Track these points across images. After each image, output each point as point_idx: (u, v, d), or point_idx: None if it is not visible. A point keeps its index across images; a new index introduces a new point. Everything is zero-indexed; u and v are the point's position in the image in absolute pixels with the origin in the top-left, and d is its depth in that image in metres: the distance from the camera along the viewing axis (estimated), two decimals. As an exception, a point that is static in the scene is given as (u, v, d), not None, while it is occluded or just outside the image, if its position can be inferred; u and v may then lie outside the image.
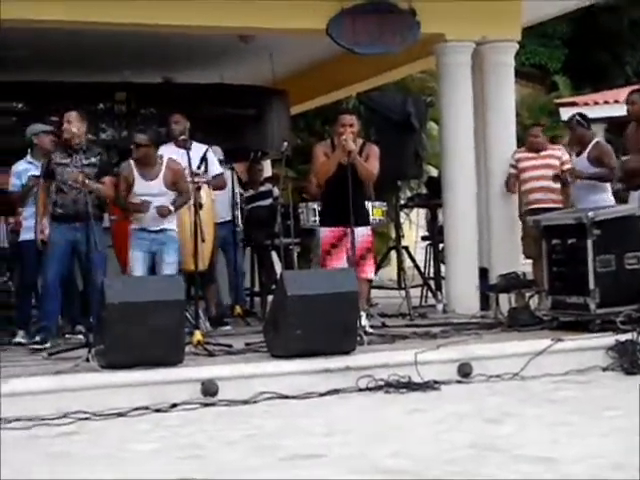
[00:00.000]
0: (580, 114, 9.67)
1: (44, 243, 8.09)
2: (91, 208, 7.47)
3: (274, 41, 11.09)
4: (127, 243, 8.20)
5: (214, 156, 9.10)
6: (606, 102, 16.13)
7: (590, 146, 9.31)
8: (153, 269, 8.03)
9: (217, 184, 9.03)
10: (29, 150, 8.76)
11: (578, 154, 9.41)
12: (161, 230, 8.05)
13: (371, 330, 7.80)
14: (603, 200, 8.97)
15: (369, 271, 8.17)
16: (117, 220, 9.08)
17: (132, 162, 8.15)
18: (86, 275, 7.92)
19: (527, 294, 8.57)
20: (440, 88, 10.55)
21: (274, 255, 10.31)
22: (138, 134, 8.25)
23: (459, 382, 6.84)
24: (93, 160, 8.02)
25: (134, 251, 8.08)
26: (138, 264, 8.01)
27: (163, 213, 7.99)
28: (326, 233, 8.18)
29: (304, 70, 13.04)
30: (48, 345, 7.69)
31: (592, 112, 16.10)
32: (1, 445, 5.18)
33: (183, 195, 8.09)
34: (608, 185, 9.28)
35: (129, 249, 8.13)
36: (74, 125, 8.03)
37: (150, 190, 8.03)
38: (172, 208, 7.98)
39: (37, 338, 7.93)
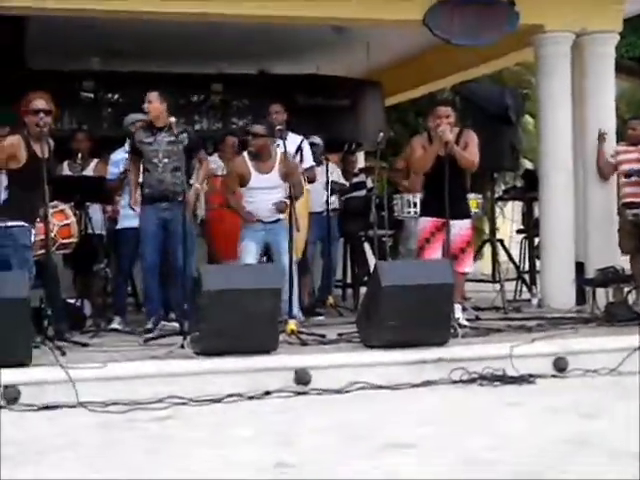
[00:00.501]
0: None
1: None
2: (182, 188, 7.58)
3: (369, 32, 11.07)
4: (223, 232, 8.27)
5: (309, 148, 9.12)
6: None
7: None
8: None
9: (309, 176, 9.05)
10: (127, 139, 8.87)
11: None
12: (276, 220, 8.08)
13: (465, 323, 7.74)
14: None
15: (467, 265, 8.09)
16: (213, 209, 9.14)
17: (246, 156, 8.17)
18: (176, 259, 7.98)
19: (625, 289, 8.41)
20: (538, 80, 10.41)
21: (367, 246, 10.31)
22: (254, 125, 8.22)
23: (554, 376, 6.75)
24: (178, 138, 7.97)
25: (247, 241, 8.09)
26: (250, 255, 8.03)
27: (282, 209, 7.97)
28: (425, 223, 8.11)
29: (399, 61, 13.01)
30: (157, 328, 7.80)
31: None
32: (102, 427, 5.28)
33: (296, 187, 8.08)
34: None
35: (240, 239, 8.12)
36: (154, 104, 8.08)
37: (267, 183, 8.05)
38: (288, 202, 7.82)
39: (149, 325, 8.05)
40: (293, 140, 8.76)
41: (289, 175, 7.95)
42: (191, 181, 8.10)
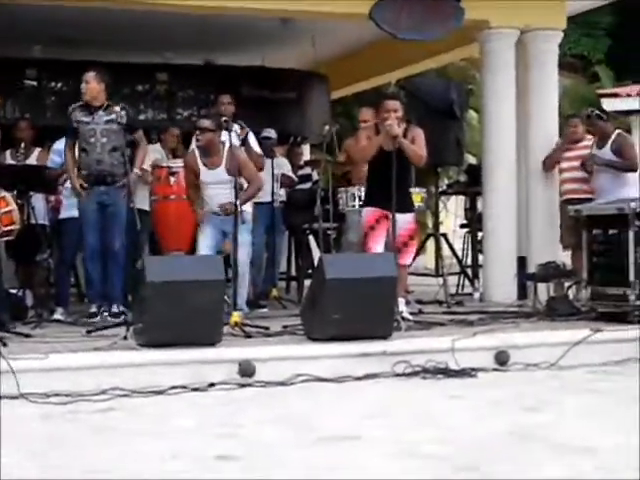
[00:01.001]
0: (598, 109, 9.65)
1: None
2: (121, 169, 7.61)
3: (315, 24, 11.07)
4: (167, 223, 8.24)
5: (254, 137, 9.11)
6: (648, 94, 15.94)
7: (612, 137, 9.27)
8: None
9: (256, 165, 9.02)
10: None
11: (601, 147, 9.35)
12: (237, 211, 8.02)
13: (409, 316, 7.78)
14: (630, 193, 8.87)
15: (409, 258, 8.14)
16: (158, 200, 9.10)
17: (195, 150, 8.13)
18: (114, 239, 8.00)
19: (566, 284, 8.52)
20: (483, 75, 10.51)
21: (311, 239, 10.32)
22: (202, 119, 8.17)
23: (496, 370, 6.81)
24: (114, 116, 7.96)
25: (204, 226, 8.06)
26: (206, 239, 8.00)
27: (227, 211, 7.92)
28: (369, 212, 8.13)
29: (345, 54, 13.04)
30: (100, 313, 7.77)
31: (633, 104, 16.05)
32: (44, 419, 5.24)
33: (252, 183, 8.06)
34: (635, 177, 9.21)
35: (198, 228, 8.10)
36: (91, 84, 8.03)
37: (214, 178, 8.01)
38: (238, 202, 7.76)
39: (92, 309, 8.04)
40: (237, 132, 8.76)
41: (241, 169, 7.91)
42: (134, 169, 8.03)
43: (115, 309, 8.00)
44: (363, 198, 8.70)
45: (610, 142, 9.27)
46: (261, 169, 9.08)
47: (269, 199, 9.43)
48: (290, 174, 10.13)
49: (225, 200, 7.96)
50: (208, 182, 8.06)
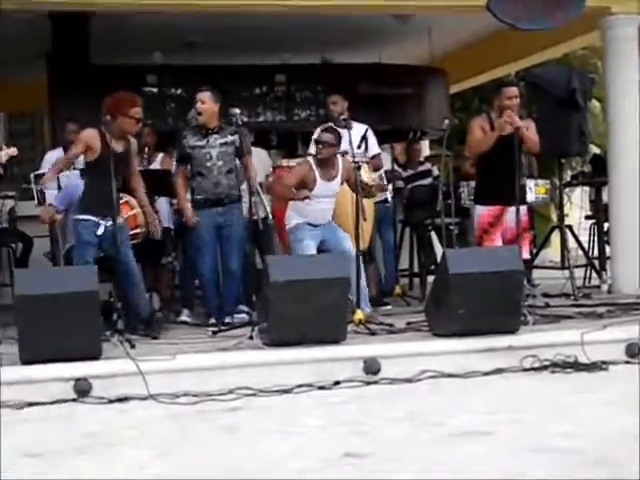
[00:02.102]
0: None
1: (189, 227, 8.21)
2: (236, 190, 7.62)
3: (432, 19, 10.99)
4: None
5: (373, 136, 9.07)
6: None
7: None
8: None
9: (375, 164, 9.00)
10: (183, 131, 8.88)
11: None
12: (327, 222, 7.99)
13: (535, 310, 7.62)
14: None
15: (526, 251, 8.03)
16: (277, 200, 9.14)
17: (311, 160, 8.07)
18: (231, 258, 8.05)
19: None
20: (605, 64, 10.25)
21: (433, 235, 10.24)
22: (324, 133, 8.04)
23: (627, 362, 6.63)
24: (230, 139, 7.99)
25: (307, 241, 7.94)
26: (309, 251, 7.92)
27: None
28: (483, 211, 8.06)
29: (462, 48, 12.92)
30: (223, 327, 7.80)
31: None
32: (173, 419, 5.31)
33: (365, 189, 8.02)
34: None
35: (293, 241, 8.05)
36: (207, 104, 8.02)
37: (330, 191, 7.95)
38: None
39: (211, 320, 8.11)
40: (358, 129, 8.72)
41: (348, 180, 7.87)
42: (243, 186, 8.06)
43: (229, 319, 8.02)
44: (475, 192, 8.57)
45: None
46: (378, 168, 9.03)
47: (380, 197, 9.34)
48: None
49: (327, 213, 7.95)
50: (321, 195, 7.95)
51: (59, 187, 8.35)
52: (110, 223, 7.31)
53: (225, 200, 7.97)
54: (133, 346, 6.63)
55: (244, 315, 8.01)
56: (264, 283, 6.63)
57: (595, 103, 14.67)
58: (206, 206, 7.99)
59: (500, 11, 9.37)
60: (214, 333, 7.40)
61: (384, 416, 5.30)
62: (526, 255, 8.08)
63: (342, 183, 7.94)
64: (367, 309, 7.86)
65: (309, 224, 7.98)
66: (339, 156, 8.02)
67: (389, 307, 9.02)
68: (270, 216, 7.90)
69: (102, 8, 8.90)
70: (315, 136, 8.32)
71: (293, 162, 9.31)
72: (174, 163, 8.45)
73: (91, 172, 7.49)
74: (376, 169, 9.02)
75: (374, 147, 9.00)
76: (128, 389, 5.90)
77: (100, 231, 7.39)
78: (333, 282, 6.59)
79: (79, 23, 10.60)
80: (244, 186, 7.98)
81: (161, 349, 6.69)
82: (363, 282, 7.82)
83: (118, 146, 7.44)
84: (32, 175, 8.79)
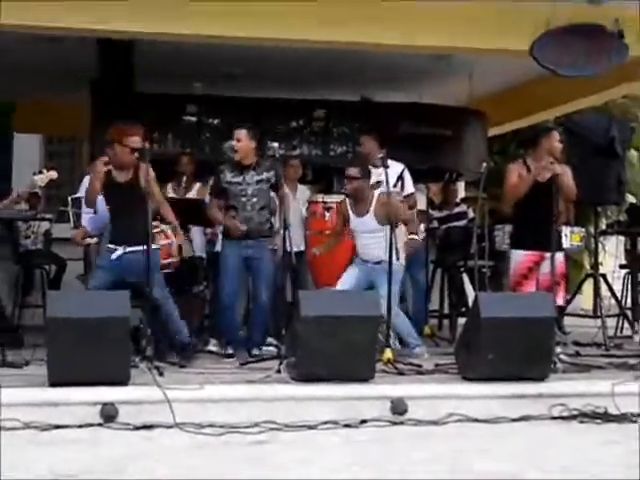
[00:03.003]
0: None
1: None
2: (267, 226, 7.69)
3: (474, 60, 11.00)
4: (322, 258, 8.29)
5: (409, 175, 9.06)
6: None
7: None
8: None
9: (410, 204, 8.99)
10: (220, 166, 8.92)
11: None
12: (379, 262, 7.93)
13: (565, 358, 7.56)
14: None
15: (562, 298, 7.99)
16: (313, 235, 9.17)
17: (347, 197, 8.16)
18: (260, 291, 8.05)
19: None
20: (645, 113, 10.23)
21: (465, 277, 10.19)
22: (349, 167, 8.13)
23: (658, 416, 6.57)
24: (265, 176, 8.04)
25: (353, 267, 8.05)
26: (350, 277, 7.99)
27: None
28: (522, 257, 8.04)
29: (502, 91, 12.90)
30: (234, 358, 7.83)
31: None
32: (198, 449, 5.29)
33: (409, 225, 8.11)
34: None
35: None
36: (244, 142, 8.06)
37: (363, 226, 7.98)
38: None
39: (229, 350, 8.12)
40: (394, 169, 8.72)
41: (387, 216, 7.80)
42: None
43: (256, 351, 8.01)
44: (512, 238, 8.54)
45: None
46: (413, 207, 9.02)
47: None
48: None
49: (373, 249, 7.94)
50: (358, 230, 8.03)
51: (95, 211, 8.40)
52: (130, 249, 7.35)
53: (255, 234, 8.01)
54: (161, 374, 6.63)
55: (272, 348, 7.99)
56: (294, 317, 6.63)
57: (633, 152, 14.63)
58: (235, 238, 8.03)
59: (542, 57, 9.37)
60: (242, 364, 7.39)
61: (409, 458, 5.26)
62: (560, 302, 8.02)
63: (380, 219, 7.91)
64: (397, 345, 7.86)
65: (362, 259, 8.10)
66: (375, 191, 8.02)
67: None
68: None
69: (148, 37, 8.95)
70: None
71: (328, 198, 9.35)
72: (207, 194, 8.48)
73: (108, 203, 7.62)
74: (410, 208, 9.02)
75: (409, 187, 9.00)
76: (154, 417, 5.89)
77: (114, 256, 7.42)
78: (364, 320, 6.58)
79: (125, 50, 10.70)
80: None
81: (189, 378, 6.68)
82: (400, 320, 7.88)
83: (121, 176, 7.49)
84: (69, 198, 8.85)
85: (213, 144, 11.63)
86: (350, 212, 8.07)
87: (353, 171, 8.04)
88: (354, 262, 8.17)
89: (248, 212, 8.04)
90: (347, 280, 8.01)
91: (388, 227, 7.64)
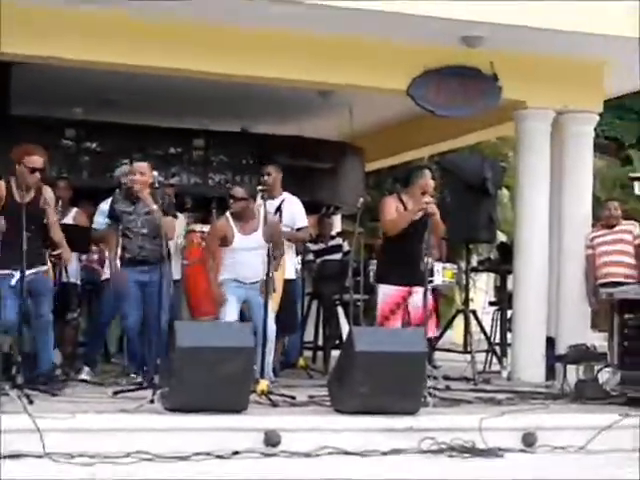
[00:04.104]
0: None
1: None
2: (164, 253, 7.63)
3: (353, 97, 11.18)
4: (200, 288, 8.26)
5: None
6: (681, 179, 16.01)
7: None
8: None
9: (302, 237, 9.06)
10: (117, 190, 8.86)
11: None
12: (255, 282, 8.00)
13: (435, 392, 7.70)
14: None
15: (433, 330, 8.18)
16: (189, 265, 9.16)
17: (229, 216, 8.18)
18: (152, 317, 7.98)
19: (596, 367, 8.44)
20: (517, 154, 10.53)
21: (340, 310, 10.30)
22: (235, 187, 8.25)
23: (523, 451, 6.73)
24: (154, 207, 8.02)
25: (228, 295, 8.07)
26: (230, 310, 8.00)
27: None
28: (391, 292, 8.18)
29: (381, 127, 13.12)
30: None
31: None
32: None
33: (278, 247, 8.10)
34: None
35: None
36: (146, 176, 8.06)
37: (249, 244, 8.01)
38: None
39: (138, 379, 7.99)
40: (291, 200, 8.84)
41: (273, 235, 7.93)
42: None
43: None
44: (377, 272, 8.66)
45: None
46: (304, 241, 9.14)
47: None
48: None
49: (255, 267, 7.97)
50: (241, 248, 8.07)
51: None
52: (29, 272, 7.25)
53: (150, 260, 8.00)
54: (31, 402, 6.51)
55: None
56: (169, 347, 6.61)
57: (504, 191, 15.02)
58: (131, 264, 8.08)
59: (420, 97, 9.62)
60: (115, 393, 7.31)
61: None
62: (431, 334, 8.18)
63: (267, 238, 7.95)
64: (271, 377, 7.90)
65: (236, 280, 8.05)
66: (261, 211, 8.08)
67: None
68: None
69: (28, 60, 8.86)
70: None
71: (206, 227, 9.36)
72: (106, 220, 8.42)
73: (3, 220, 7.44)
74: (302, 241, 9.14)
75: (301, 219, 9.04)
76: (23, 445, 5.78)
77: (13, 282, 7.30)
78: (238, 351, 6.60)
79: (0, 72, 10.53)
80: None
81: (60, 407, 6.58)
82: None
83: (24, 196, 7.39)
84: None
85: (91, 169, 11.54)
86: (235, 230, 8.09)
87: (239, 191, 8.11)
88: (227, 288, 8.10)
89: (140, 241, 8.08)
90: (229, 313, 8.00)
91: (269, 247, 7.70)
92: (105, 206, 8.74)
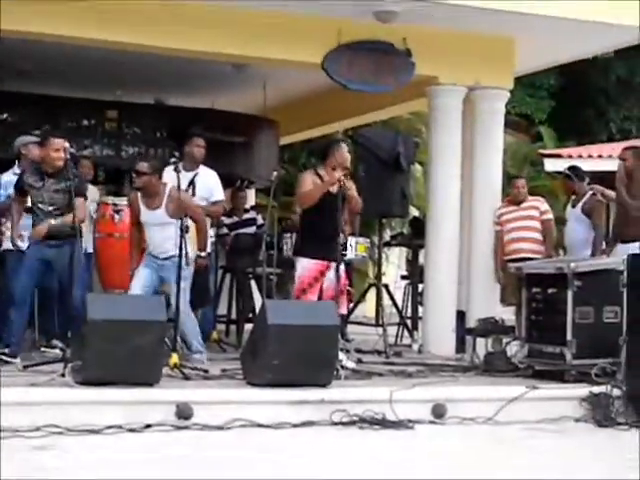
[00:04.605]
0: (573, 167, 9.87)
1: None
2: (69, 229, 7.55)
3: (267, 70, 11.16)
4: (111, 260, 8.21)
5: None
6: (590, 156, 16.22)
7: (585, 198, 9.53)
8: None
9: (216, 210, 9.05)
10: (16, 161, 8.75)
11: (573, 205, 9.66)
12: (168, 257, 7.95)
13: (348, 365, 7.77)
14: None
15: (345, 306, 8.26)
16: (101, 237, 9.09)
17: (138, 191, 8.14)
18: (63, 291, 7.90)
19: (504, 340, 8.60)
20: (430, 130, 10.64)
21: (253, 284, 10.31)
22: (140, 162, 8.15)
23: (432, 422, 6.85)
24: (63, 185, 7.91)
25: (141, 267, 8.02)
26: (140, 280, 7.95)
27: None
28: (310, 265, 8.22)
29: (295, 101, 13.11)
30: (18, 360, 7.63)
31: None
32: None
33: (200, 227, 8.11)
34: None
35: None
36: (62, 153, 7.89)
37: (154, 219, 7.96)
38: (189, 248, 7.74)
39: (6, 350, 7.88)
40: (206, 173, 8.84)
41: (178, 210, 7.87)
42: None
43: (55, 342, 7.89)
44: (296, 245, 8.68)
45: (582, 201, 9.53)
46: (219, 215, 9.14)
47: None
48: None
49: (162, 242, 7.96)
50: (148, 223, 8.04)
51: None
52: None
53: (56, 236, 7.89)
54: (-60, 376, 6.43)
55: (57, 351, 7.88)
56: (81, 320, 6.57)
57: (418, 166, 15.16)
58: (38, 240, 7.94)
59: (334, 70, 9.65)
60: (25, 367, 7.24)
61: (194, 463, 5.32)
62: (343, 310, 8.27)
63: (171, 214, 7.92)
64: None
65: (151, 254, 8.05)
66: (167, 186, 8.05)
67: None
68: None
69: None
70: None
71: (119, 200, 9.30)
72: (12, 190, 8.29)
73: None
74: (216, 216, 9.14)
75: (218, 193, 9.01)
76: None
77: None
78: (150, 324, 6.59)
79: None
80: None
81: (-32, 381, 6.51)
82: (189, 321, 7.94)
83: None
84: None
85: (2, 139, 11.33)
86: (141, 205, 8.05)
87: (143, 166, 8.03)
88: (144, 261, 8.12)
89: (46, 217, 7.93)
90: (137, 284, 7.97)
91: (178, 222, 7.67)
92: (5, 178, 8.61)
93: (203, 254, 8.28)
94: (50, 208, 7.96)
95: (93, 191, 9.68)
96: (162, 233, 7.96)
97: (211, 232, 9.38)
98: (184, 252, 7.59)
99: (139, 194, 8.10)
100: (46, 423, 5.91)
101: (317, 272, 8.17)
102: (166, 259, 7.98)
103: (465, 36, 9.83)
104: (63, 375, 6.63)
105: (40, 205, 7.97)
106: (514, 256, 9.61)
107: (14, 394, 6.24)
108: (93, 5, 8.65)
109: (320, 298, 8.18)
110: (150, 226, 8.06)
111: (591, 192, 9.55)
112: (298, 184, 8.48)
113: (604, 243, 9.32)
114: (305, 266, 8.25)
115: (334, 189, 8.09)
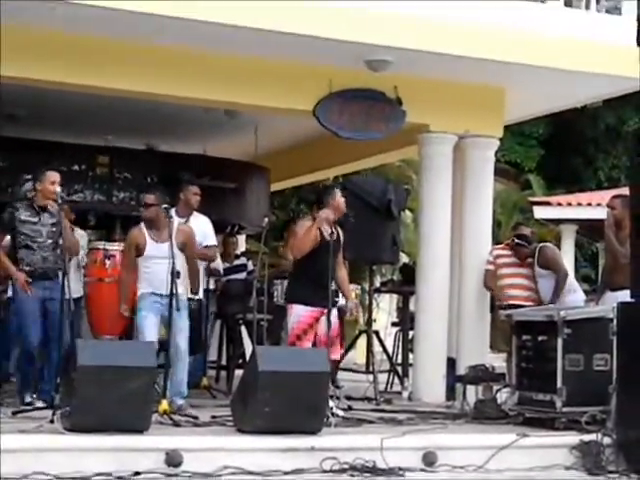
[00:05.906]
0: (519, 235, 9.89)
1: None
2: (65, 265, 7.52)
3: (260, 117, 11.21)
4: (101, 306, 8.19)
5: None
6: (579, 204, 16.35)
7: (537, 255, 9.67)
8: None
9: (210, 254, 9.07)
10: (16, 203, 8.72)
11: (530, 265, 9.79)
12: (173, 294, 7.82)
13: (339, 412, 7.75)
14: (576, 301, 9.14)
15: (338, 352, 8.23)
16: (92, 282, 9.08)
17: (142, 225, 8.12)
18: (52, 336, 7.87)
19: (494, 387, 8.59)
20: (420, 177, 10.69)
21: (243, 330, 10.29)
22: (146, 194, 8.19)
23: (423, 470, 6.82)
24: (55, 220, 8.01)
25: (145, 312, 7.92)
26: (151, 327, 7.85)
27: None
28: (304, 313, 8.19)
29: (286, 148, 13.17)
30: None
31: (564, 213, 16.43)
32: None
33: (192, 268, 8.14)
34: (577, 285, 9.50)
35: (137, 310, 7.99)
36: (57, 187, 7.98)
37: (162, 252, 7.89)
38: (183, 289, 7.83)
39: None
40: (200, 218, 9.01)
41: (186, 242, 7.95)
42: None
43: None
44: (289, 292, 8.67)
45: (536, 260, 9.64)
46: (212, 259, 9.20)
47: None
48: (219, 267, 10.14)
49: (165, 274, 7.83)
50: (155, 257, 7.96)
51: None
52: None
53: (51, 275, 7.94)
54: None
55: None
56: (71, 366, 6.54)
57: (408, 213, 15.22)
58: (33, 278, 7.95)
59: (325, 118, 9.71)
60: (14, 414, 7.20)
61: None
62: (336, 356, 8.25)
63: (180, 248, 7.94)
64: (180, 401, 7.84)
65: (153, 293, 7.94)
66: (175, 220, 8.08)
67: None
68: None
69: None
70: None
71: (109, 245, 9.30)
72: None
73: None
74: (210, 260, 9.18)
75: (211, 238, 9.15)
76: None
77: None
78: (140, 370, 6.57)
79: None
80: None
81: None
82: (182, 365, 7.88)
83: None
84: None
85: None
86: (148, 238, 8.02)
87: (150, 198, 8.07)
88: (145, 303, 7.96)
89: (45, 252, 7.97)
90: (152, 333, 7.84)
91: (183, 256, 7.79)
92: None
93: (196, 297, 8.29)
94: (49, 242, 7.99)
95: (82, 236, 9.68)
96: (166, 267, 7.92)
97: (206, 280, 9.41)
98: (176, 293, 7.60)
99: (144, 228, 8.07)
100: (35, 470, 5.87)
101: (312, 319, 8.15)
102: (167, 296, 7.92)
103: (455, 85, 9.90)
104: (52, 422, 6.60)
105: (38, 239, 7.98)
106: (509, 302, 9.61)
107: (2, 441, 6.20)
108: (88, 52, 8.69)
109: (315, 344, 8.15)
110: (155, 259, 7.97)
111: (539, 247, 9.69)
112: (293, 231, 8.49)
113: (593, 290, 9.38)
114: (299, 313, 8.22)
115: (327, 236, 8.09)
